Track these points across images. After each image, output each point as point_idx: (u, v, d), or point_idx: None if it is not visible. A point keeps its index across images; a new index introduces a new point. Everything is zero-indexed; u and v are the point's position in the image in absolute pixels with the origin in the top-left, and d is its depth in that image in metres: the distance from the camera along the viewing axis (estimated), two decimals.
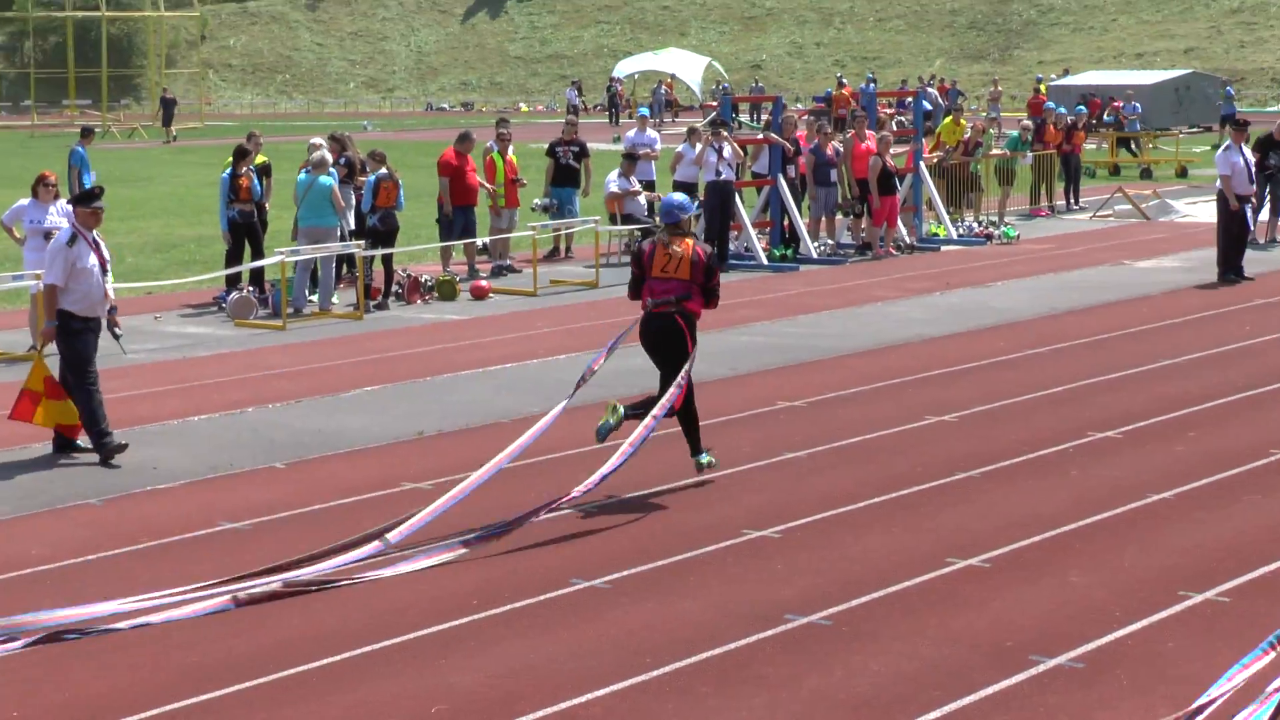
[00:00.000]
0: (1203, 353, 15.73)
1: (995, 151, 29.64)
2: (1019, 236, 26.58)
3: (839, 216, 25.48)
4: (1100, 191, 32.86)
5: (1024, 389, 14.06)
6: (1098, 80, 58.69)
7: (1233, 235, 21.04)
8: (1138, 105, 46.62)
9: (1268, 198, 25.24)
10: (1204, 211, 28.95)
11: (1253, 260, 22.04)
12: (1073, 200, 31.56)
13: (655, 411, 10.60)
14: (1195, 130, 53.82)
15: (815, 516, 10.11)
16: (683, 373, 10.75)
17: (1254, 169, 21.91)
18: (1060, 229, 28.27)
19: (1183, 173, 38.72)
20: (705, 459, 11.07)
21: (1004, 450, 11.79)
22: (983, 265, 23.27)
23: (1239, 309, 18.64)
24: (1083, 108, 36.45)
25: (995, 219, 28.07)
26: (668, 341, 10.94)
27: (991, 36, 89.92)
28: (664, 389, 10.88)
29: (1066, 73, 69.29)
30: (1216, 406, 13.28)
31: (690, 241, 10.98)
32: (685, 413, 10.98)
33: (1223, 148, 21.62)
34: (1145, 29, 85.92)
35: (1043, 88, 58.26)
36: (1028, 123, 31.43)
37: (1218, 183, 21.43)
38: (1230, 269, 20.96)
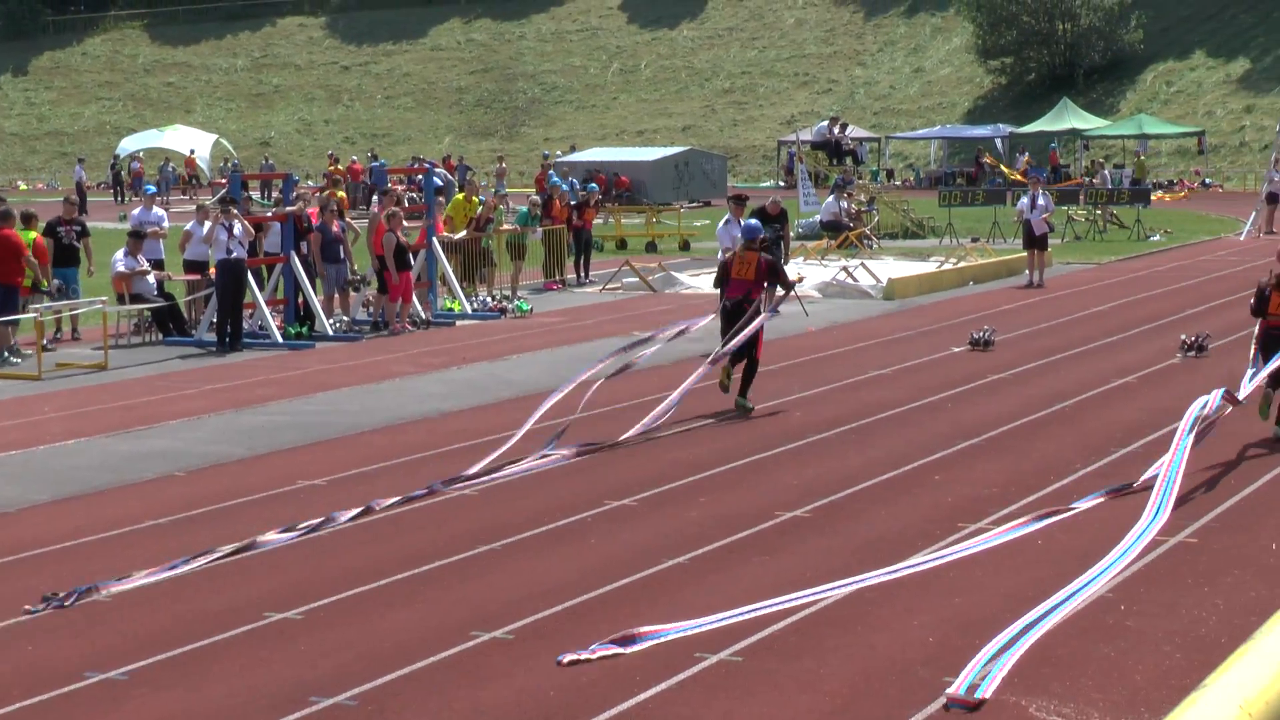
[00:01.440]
0: (710, 420, 16.37)
1: (506, 227, 30.17)
2: (532, 310, 27.12)
3: (353, 292, 25.41)
4: (609, 265, 33.88)
5: (542, 460, 14.32)
6: (603, 157, 60.67)
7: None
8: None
9: None
10: (706, 283, 30.26)
11: None
12: (583, 274, 32.43)
13: (713, 358, 16.27)
14: (695, 205, 56.28)
15: (339, 595, 10.00)
16: (750, 328, 16.31)
17: None
18: (572, 302, 28.99)
19: (685, 246, 40.38)
20: (747, 404, 16.47)
21: (526, 520, 11.97)
22: (497, 339, 23.62)
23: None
24: (594, 185, 37.54)
25: (508, 293, 28.56)
26: (740, 320, 16.45)
27: (499, 114, 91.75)
28: (729, 341, 16.25)
29: (573, 149, 71.31)
30: (726, 471, 13.85)
31: (755, 254, 16.77)
32: (753, 365, 16.64)
33: (723, 221, 22.65)
34: (645, 107, 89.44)
35: (548, 164, 59.78)
36: (536, 198, 32.17)
37: (720, 254, 22.40)
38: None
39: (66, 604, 9.81)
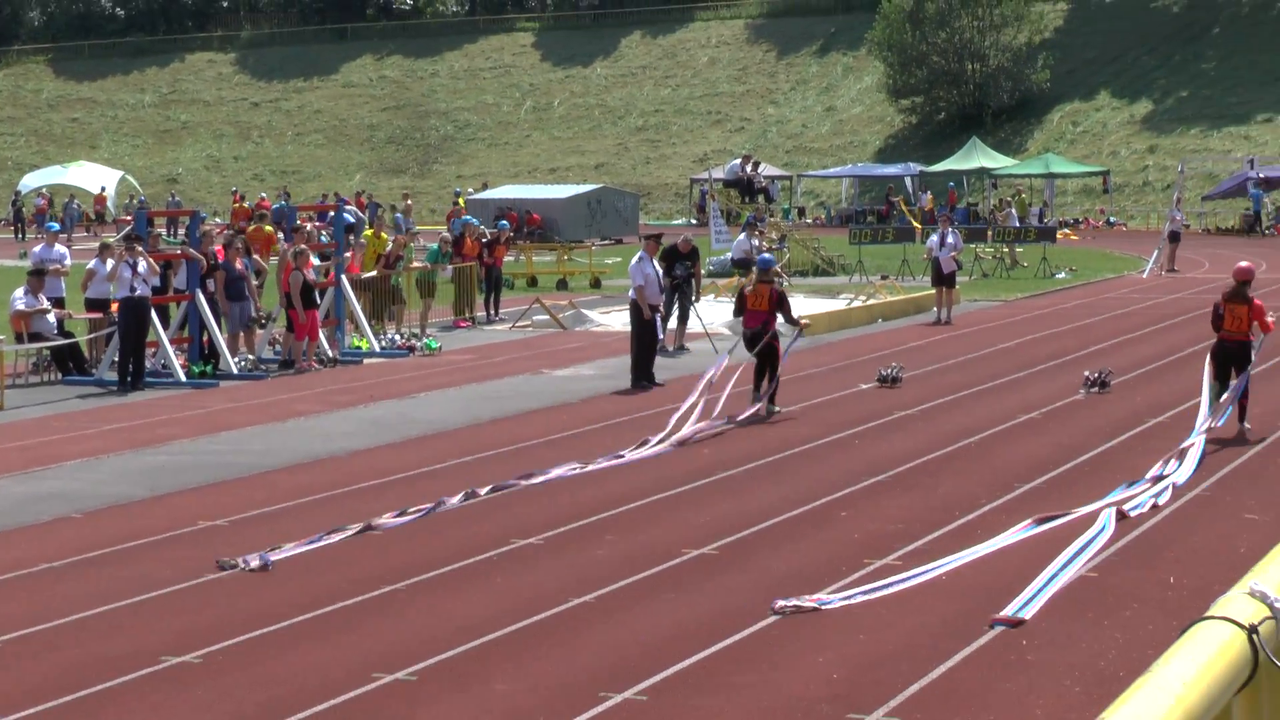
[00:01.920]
0: (617, 458, 16.34)
1: (416, 264, 30.07)
2: (441, 348, 27.02)
3: (259, 330, 25.22)
4: (519, 302, 33.86)
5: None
6: (515, 194, 60.66)
7: (645, 343, 22.07)
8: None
9: (675, 307, 26.63)
10: (617, 320, 30.31)
11: (662, 366, 23.19)
12: (493, 311, 32.37)
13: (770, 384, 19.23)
14: (607, 242, 56.36)
15: (239, 638, 9.86)
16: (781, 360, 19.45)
17: (661, 279, 23.14)
18: (481, 339, 28.92)
19: (596, 283, 40.43)
20: (773, 409, 18.90)
21: (430, 561, 11.87)
22: (406, 377, 23.51)
23: (650, 414, 19.54)
24: (505, 222, 37.48)
25: (417, 331, 28.45)
26: (762, 346, 19.18)
27: (410, 151, 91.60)
28: (761, 368, 19.21)
29: (485, 186, 71.28)
30: (634, 509, 13.82)
31: (767, 286, 19.49)
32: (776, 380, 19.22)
33: (635, 259, 22.69)
34: (557, 145, 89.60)
35: (461, 201, 59.69)
36: (447, 235, 32.09)
37: (630, 292, 22.45)
38: (643, 376, 21.96)
39: None
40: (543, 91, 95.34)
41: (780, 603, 10.39)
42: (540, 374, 23.87)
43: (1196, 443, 15.45)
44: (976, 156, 68.88)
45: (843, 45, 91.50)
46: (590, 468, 15.57)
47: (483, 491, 14.34)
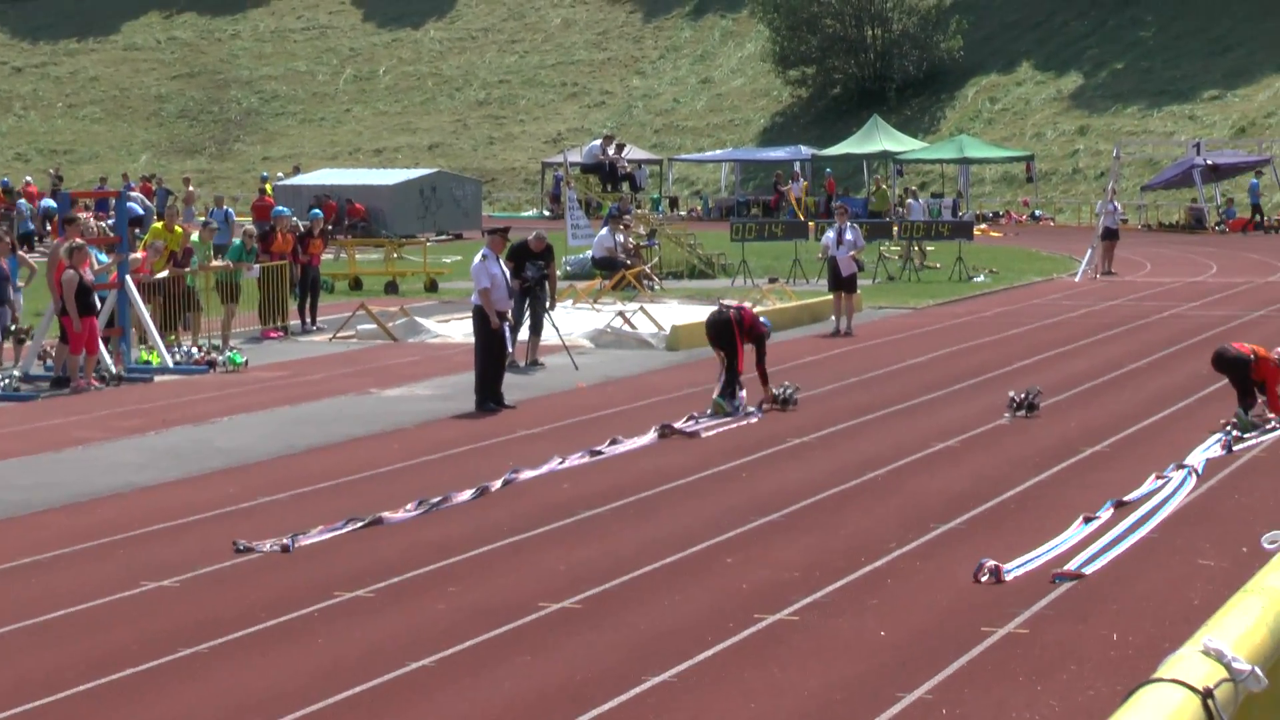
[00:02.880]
0: (464, 495, 16.28)
1: (216, 263, 29.78)
2: (247, 363, 26.79)
3: (26, 343, 24.84)
4: (341, 309, 33.63)
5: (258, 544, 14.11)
6: (333, 180, 60.35)
7: (491, 357, 22.03)
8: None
9: (527, 314, 26.61)
10: (458, 330, 30.20)
11: (512, 385, 23.15)
12: (310, 319, 32.12)
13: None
14: (445, 237, 56.23)
15: (6, 714, 9.71)
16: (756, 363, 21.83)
17: (510, 281, 23.11)
18: (296, 353, 28.71)
19: (432, 286, 40.31)
20: (723, 404, 21.07)
21: (236, 618, 11.74)
22: (205, 398, 23.28)
23: (503, 441, 19.50)
24: (318, 211, 37.26)
25: (218, 343, 28.16)
26: (720, 331, 21.73)
27: (206, 127, 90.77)
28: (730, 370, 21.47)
29: (297, 170, 70.81)
30: (481, 554, 13.78)
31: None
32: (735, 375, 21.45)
33: (479, 257, 22.62)
34: (384, 121, 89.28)
35: (269, 188, 59.22)
36: (252, 228, 31.81)
37: (474, 297, 22.40)
38: (489, 396, 21.91)
39: None
40: (365, 58, 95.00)
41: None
42: (367, 394, 23.74)
43: None
44: (878, 138, 69.74)
45: (720, 6, 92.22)
46: (434, 507, 15.50)
47: (303, 538, 14.22)
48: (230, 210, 48.48)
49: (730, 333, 21.59)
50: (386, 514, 15.13)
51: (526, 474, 17.10)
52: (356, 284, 41.03)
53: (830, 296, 31.98)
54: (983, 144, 70.80)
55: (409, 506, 15.44)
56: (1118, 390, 23.37)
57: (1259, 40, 76.66)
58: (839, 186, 70.91)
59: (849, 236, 31.33)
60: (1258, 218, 64.35)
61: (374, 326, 30.84)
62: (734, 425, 20.46)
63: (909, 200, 55.98)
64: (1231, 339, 20.63)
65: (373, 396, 23.53)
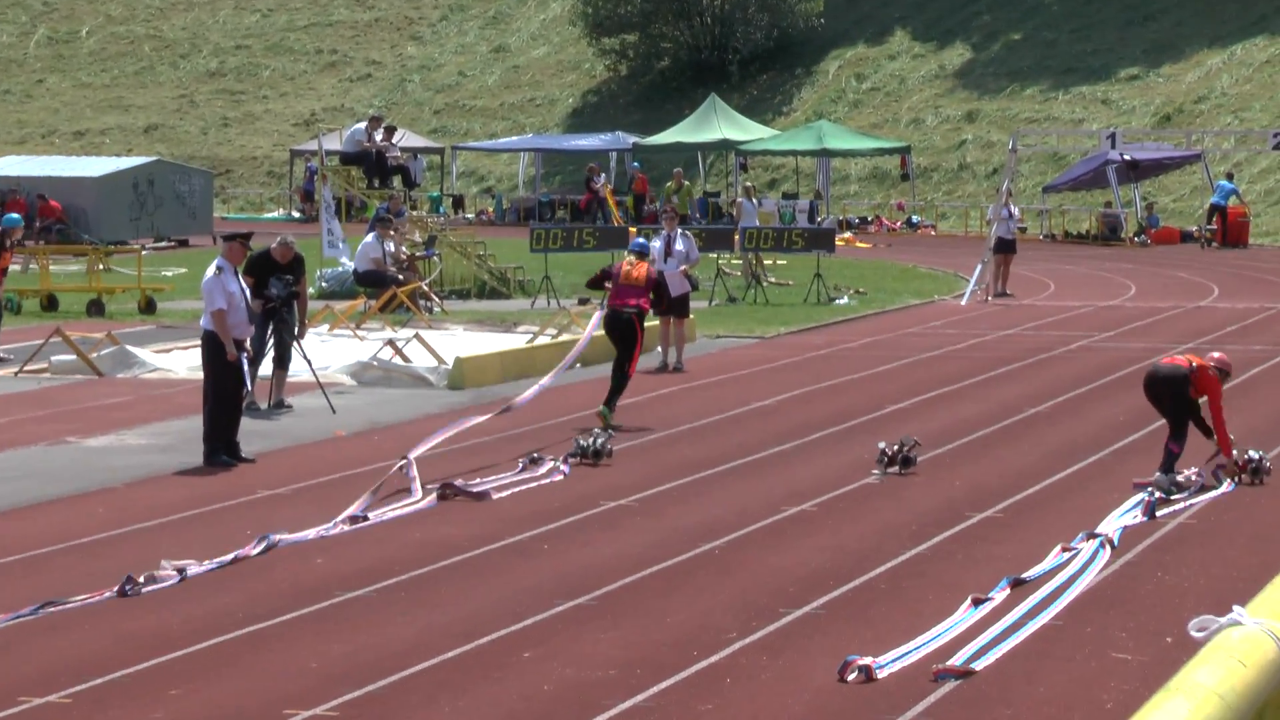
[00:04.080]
0: (190, 572, 16.10)
1: None
2: None
3: None
4: (30, 335, 33.14)
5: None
6: (21, 170, 59.60)
7: (225, 398, 21.81)
8: None
9: (270, 343, 26.37)
10: (182, 362, 29.87)
11: (251, 433, 22.97)
12: None
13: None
14: (166, 245, 55.64)
15: None
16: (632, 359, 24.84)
17: (251, 301, 22.92)
18: None
19: (149, 306, 39.83)
20: (608, 414, 24.09)
21: None
22: None
23: (239, 504, 19.31)
24: (15, 217, 36.58)
25: None
26: (625, 331, 25.00)
27: None
28: (618, 368, 24.95)
29: None
30: (212, 648, 13.63)
31: (646, 265, 25.71)
32: (623, 378, 24.89)
33: (212, 270, 22.37)
34: (87, 96, 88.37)
35: None
36: None
37: (204, 320, 22.14)
38: (223, 446, 21.67)
39: None
40: (63, 14, 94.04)
41: None
42: (63, 443, 23.43)
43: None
44: (717, 123, 70.07)
45: None
46: (140, 589, 15.34)
47: None
48: None
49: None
50: (83, 597, 14.94)
51: (270, 543, 16.96)
52: (51, 303, 40.45)
53: (657, 322, 32.05)
54: (847, 132, 71.42)
55: (113, 588, 15.25)
56: (1014, 441, 23.65)
57: (1187, 8, 78.12)
58: (657, 186, 70.88)
59: (680, 247, 31.40)
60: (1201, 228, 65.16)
61: (73, 358, 30.42)
62: (533, 484, 20.44)
63: (740, 200, 56.31)
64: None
65: (71, 446, 23.22)
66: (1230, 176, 64.63)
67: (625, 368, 24.91)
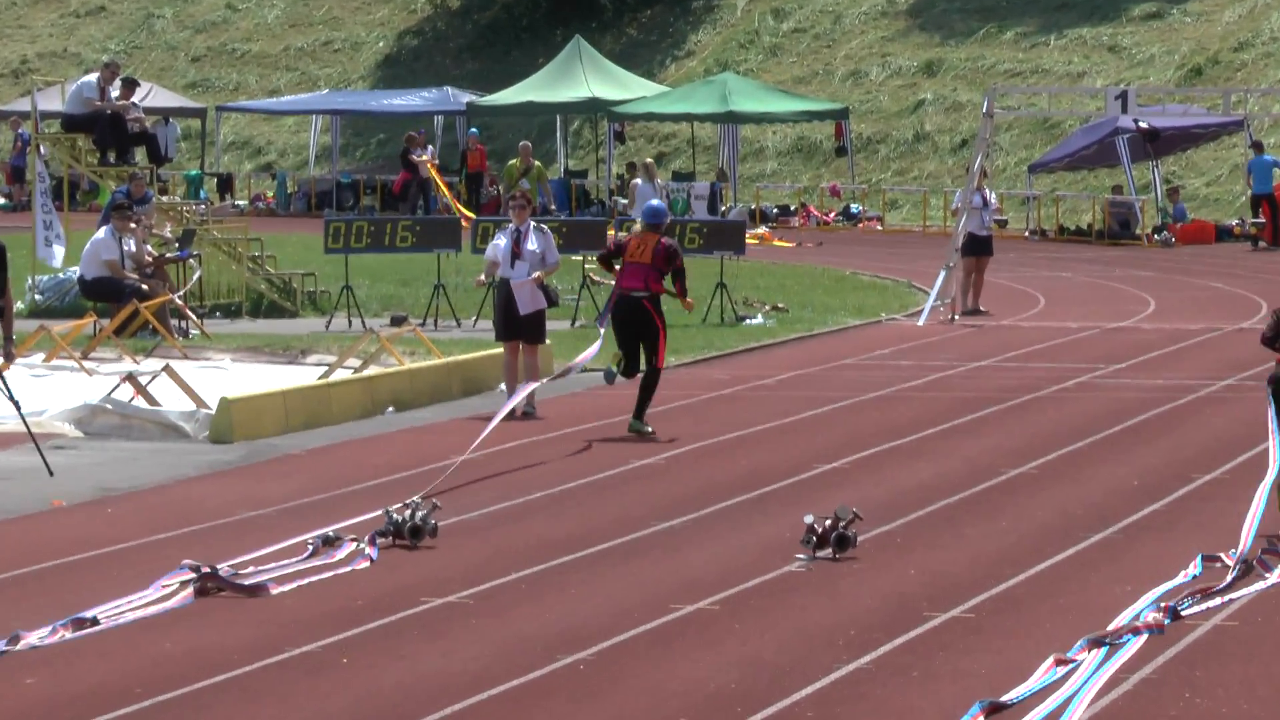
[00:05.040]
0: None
1: None
2: None
3: None
4: None
5: None
6: None
7: None
8: None
9: None
10: None
11: None
12: None
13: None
14: None
15: None
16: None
17: None
18: None
19: None
20: (646, 428, 28.28)
21: None
22: None
23: None
24: None
25: None
26: (636, 320, 28.66)
27: None
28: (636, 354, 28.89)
29: None
30: None
31: (655, 235, 28.74)
32: (653, 375, 28.86)
33: None
34: None
35: None
36: None
37: None
38: None
39: None
40: None
41: None
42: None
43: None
44: (582, 77, 70.14)
45: None
46: None
47: None
48: None
49: None
50: None
51: None
52: None
53: (501, 349, 32.05)
54: (762, 89, 71.66)
55: None
56: (988, 515, 23.77)
57: None
58: (495, 160, 70.85)
59: (532, 246, 31.32)
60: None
61: None
62: (329, 574, 20.36)
63: (636, 182, 56.44)
64: (1181, 423, 21.02)
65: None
66: (1260, 147, 64.42)
67: (653, 361, 28.28)
